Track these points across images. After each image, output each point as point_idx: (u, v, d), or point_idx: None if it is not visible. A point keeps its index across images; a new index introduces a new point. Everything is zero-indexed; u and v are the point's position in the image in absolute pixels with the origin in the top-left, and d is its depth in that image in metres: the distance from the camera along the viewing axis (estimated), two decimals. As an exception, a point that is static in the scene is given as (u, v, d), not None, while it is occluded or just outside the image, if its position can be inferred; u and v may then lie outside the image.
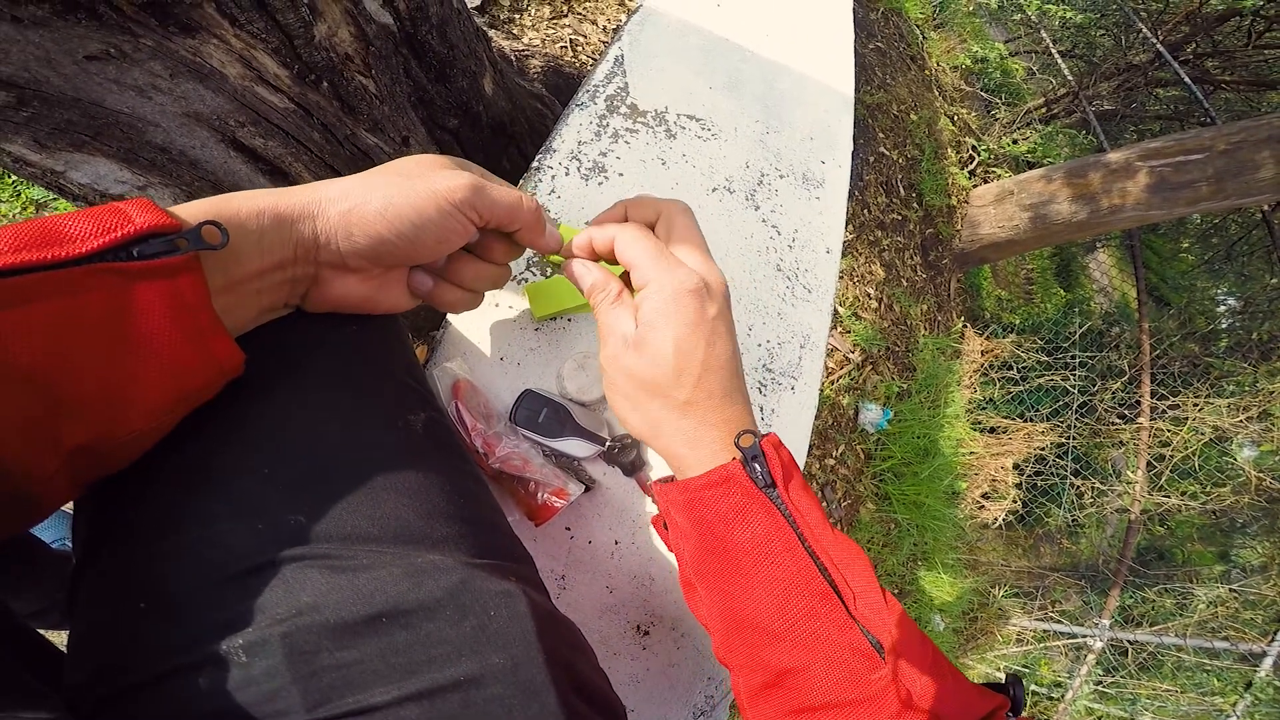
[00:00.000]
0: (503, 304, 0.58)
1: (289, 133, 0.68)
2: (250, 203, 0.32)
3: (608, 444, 0.53)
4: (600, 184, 0.67)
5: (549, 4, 1.55)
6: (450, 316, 0.56)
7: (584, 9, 1.61)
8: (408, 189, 0.35)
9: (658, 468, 0.58)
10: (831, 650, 0.36)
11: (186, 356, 0.29)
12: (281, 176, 0.71)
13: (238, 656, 0.28)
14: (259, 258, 0.32)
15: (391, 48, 0.70)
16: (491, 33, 1.34)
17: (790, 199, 0.77)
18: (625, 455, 0.54)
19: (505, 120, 0.89)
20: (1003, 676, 0.41)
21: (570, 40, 1.51)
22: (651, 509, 0.57)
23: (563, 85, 1.23)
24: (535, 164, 0.65)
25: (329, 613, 0.30)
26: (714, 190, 0.73)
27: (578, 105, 0.70)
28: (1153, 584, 2.79)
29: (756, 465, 0.38)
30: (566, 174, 0.66)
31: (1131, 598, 2.74)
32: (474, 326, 0.56)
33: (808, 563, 0.37)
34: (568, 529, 0.54)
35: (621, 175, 0.68)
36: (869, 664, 0.36)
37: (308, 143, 0.70)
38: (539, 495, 0.47)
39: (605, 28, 1.60)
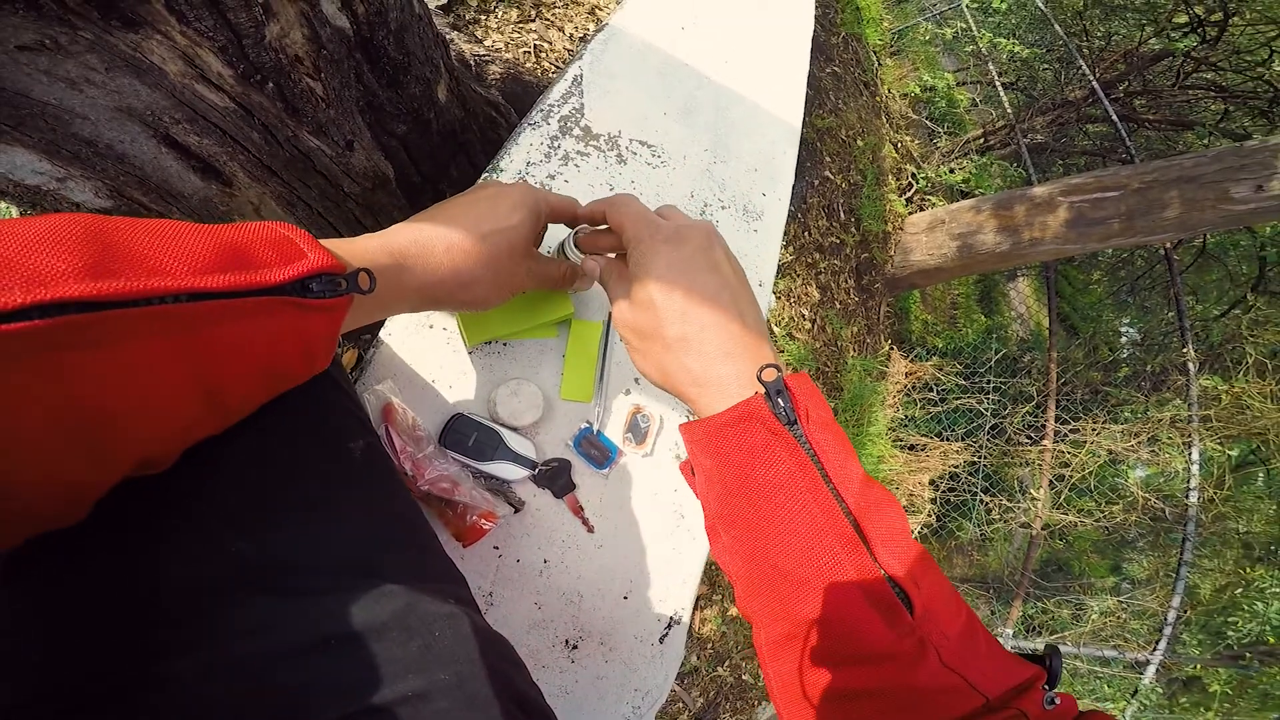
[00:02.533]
0: (436, 325, 0.58)
1: (227, 132, 0.66)
2: (388, 258, 0.37)
3: (538, 468, 0.55)
4: None
5: (516, 7, 1.52)
6: (382, 334, 0.57)
7: (552, 15, 1.60)
8: (496, 289, 0.44)
9: (583, 490, 0.59)
10: (855, 601, 0.34)
11: (299, 370, 0.34)
12: (214, 175, 0.69)
13: (183, 679, 0.29)
14: (383, 297, 0.37)
15: (345, 52, 0.69)
16: (454, 34, 1.32)
17: (730, 230, 0.80)
18: (555, 478, 0.56)
19: (457, 128, 0.88)
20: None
21: (535, 46, 1.49)
22: (577, 530, 0.59)
23: (520, 93, 1.22)
24: (482, 179, 0.66)
25: (276, 637, 0.30)
26: None
27: (530, 124, 0.71)
28: (1051, 595, 3.01)
29: (780, 400, 0.36)
30: None
31: (1033, 608, 2.95)
32: (406, 347, 0.56)
33: (832, 504, 0.35)
34: (496, 548, 0.55)
35: None
36: (894, 617, 0.34)
37: (246, 142, 0.68)
38: (467, 517, 0.48)
39: (572, 35, 1.59)
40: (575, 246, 0.54)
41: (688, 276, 0.40)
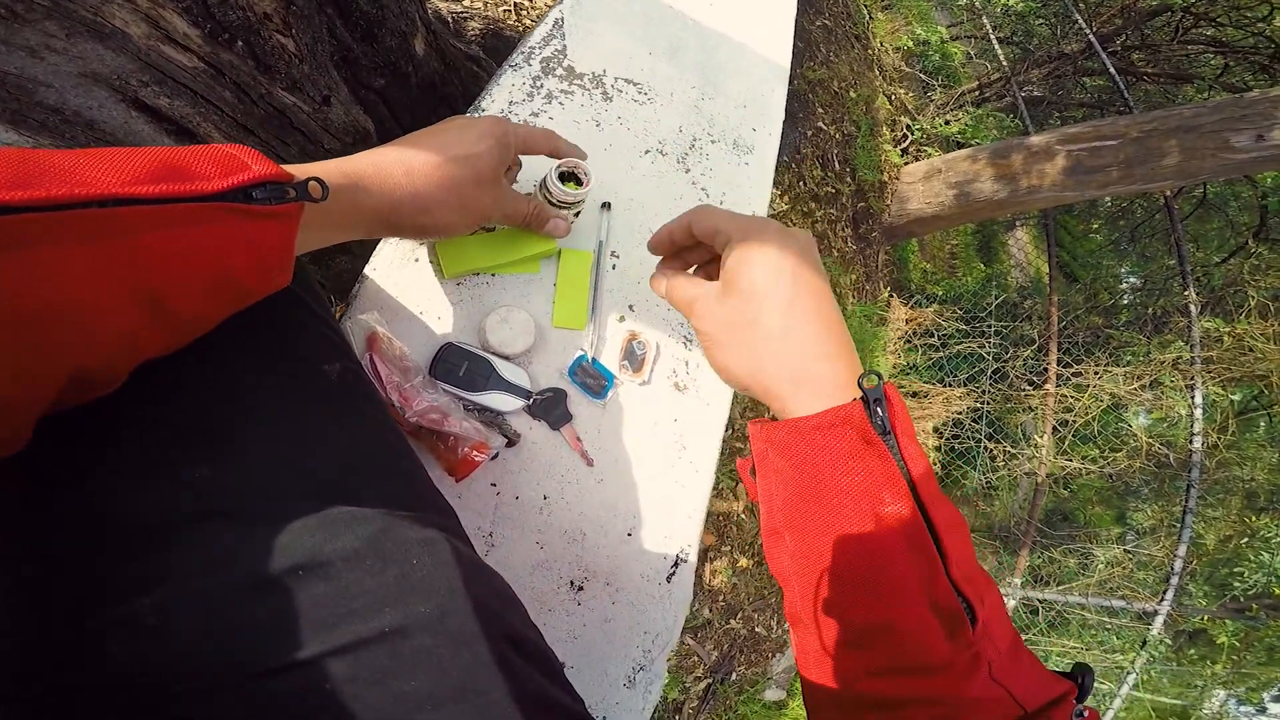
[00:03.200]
0: (423, 259, 0.57)
1: (197, 92, 0.65)
2: (342, 177, 0.37)
3: (532, 398, 0.54)
4: None
5: None
6: (367, 270, 0.56)
7: None
8: (463, 216, 0.44)
9: (581, 421, 0.59)
10: (923, 614, 0.34)
11: (256, 283, 0.33)
12: (189, 136, 0.67)
13: (147, 618, 0.27)
14: (338, 217, 0.37)
15: (315, 7, 0.68)
16: None
17: (720, 163, 0.79)
18: (551, 409, 0.55)
19: (437, 81, 0.86)
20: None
21: (515, 4, 1.46)
22: (576, 464, 0.59)
23: (501, 48, 1.19)
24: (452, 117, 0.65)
25: (242, 567, 0.29)
26: (646, 153, 0.74)
27: (511, 66, 0.70)
28: (1058, 544, 3.04)
29: (879, 409, 0.35)
30: None
31: (1040, 558, 2.98)
32: (393, 280, 0.56)
33: (916, 515, 0.34)
34: (493, 485, 0.55)
35: None
36: (957, 630, 0.34)
37: (218, 102, 0.67)
38: (459, 449, 0.47)
39: None
40: (556, 181, 0.53)
41: (794, 269, 0.38)
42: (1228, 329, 3.01)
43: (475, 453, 0.47)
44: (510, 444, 0.54)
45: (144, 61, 0.59)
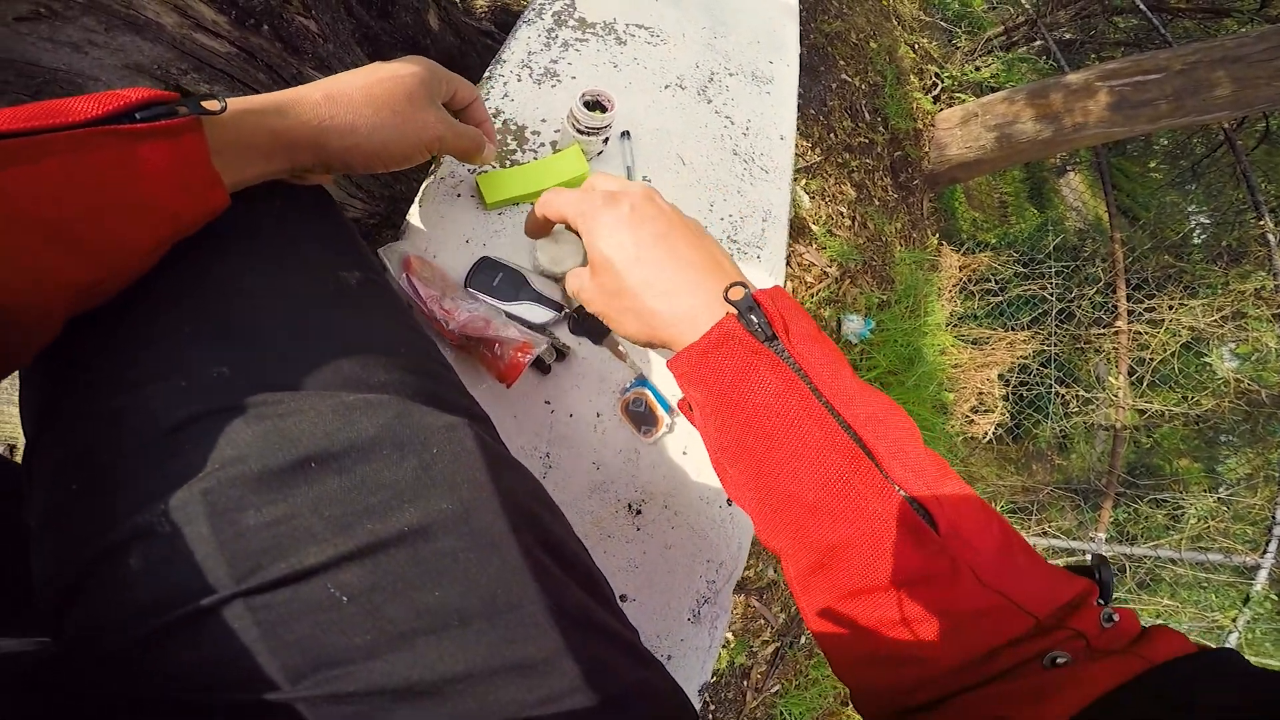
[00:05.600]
0: (464, 194, 0.59)
1: (234, 76, 0.68)
2: (255, 101, 0.36)
3: (565, 311, 0.54)
4: (554, 87, 0.68)
5: None
6: (411, 211, 0.58)
7: None
8: (399, 134, 0.42)
9: (625, 342, 0.58)
10: (874, 522, 0.31)
11: (183, 205, 0.32)
12: (233, 120, 0.71)
13: (161, 525, 0.26)
14: (253, 139, 0.35)
15: (330, -14, 0.70)
16: None
17: (741, 94, 0.78)
18: (590, 321, 0.55)
19: (455, 53, 0.89)
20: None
21: None
22: (627, 377, 0.59)
23: (512, 23, 1.22)
24: (487, 74, 0.66)
25: (252, 462, 0.27)
26: (666, 88, 0.74)
27: (525, 22, 0.71)
28: (1144, 496, 2.85)
29: (753, 317, 0.34)
30: (519, 80, 0.66)
31: (1125, 513, 2.80)
32: (437, 214, 0.57)
33: (828, 420, 0.32)
34: (547, 403, 0.55)
35: (574, 79, 0.69)
36: (918, 537, 0.31)
37: (254, 84, 0.70)
38: (505, 355, 0.47)
39: None
40: (582, 108, 0.54)
41: (633, 227, 0.39)
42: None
43: (520, 354, 0.48)
44: (561, 357, 0.55)
45: (180, 50, 0.62)
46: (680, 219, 0.40)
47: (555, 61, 0.69)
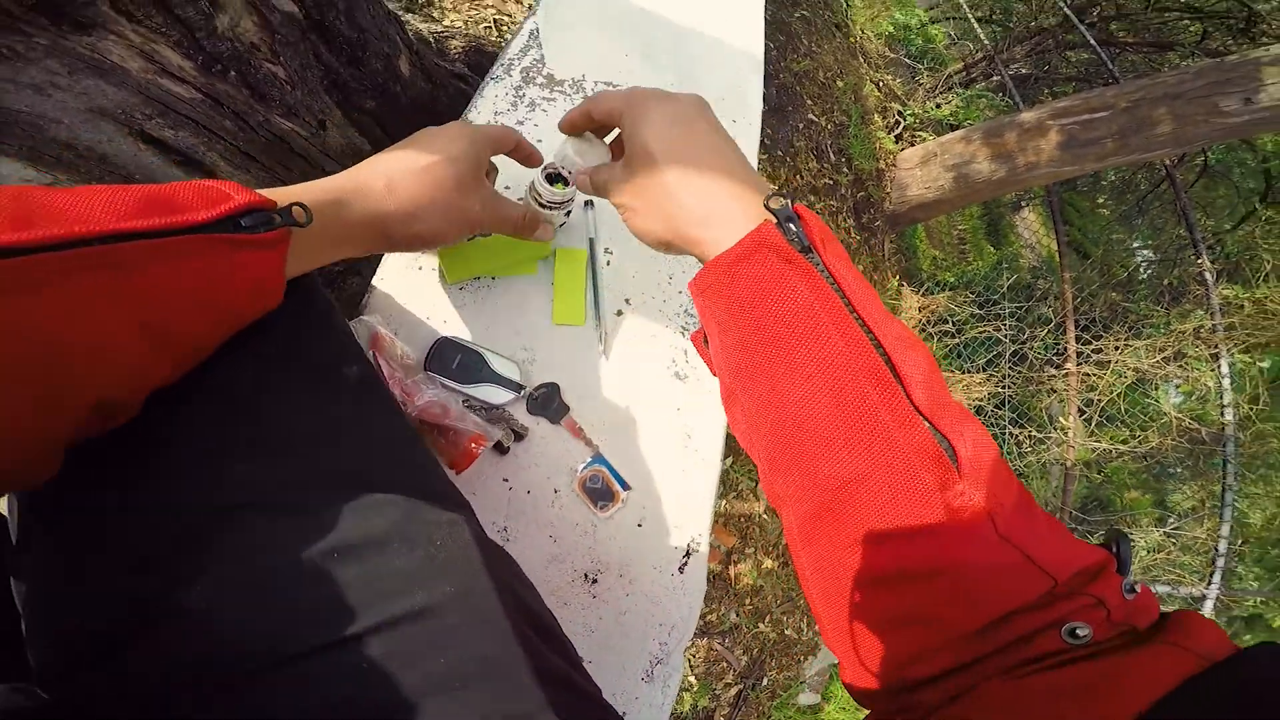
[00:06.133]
0: (426, 266, 0.59)
1: (199, 122, 0.67)
2: (324, 195, 0.38)
3: (525, 392, 0.55)
4: None
5: None
6: (375, 280, 0.58)
7: None
8: (450, 223, 0.45)
9: (584, 414, 0.59)
10: (894, 454, 0.29)
11: (251, 307, 0.35)
12: (196, 166, 0.70)
13: (196, 605, 0.29)
14: (325, 236, 0.38)
15: (299, 35, 0.70)
16: (408, 16, 1.32)
17: None
18: (548, 403, 0.56)
19: (426, 100, 0.89)
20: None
21: (494, 20, 1.48)
22: (584, 456, 0.59)
23: (485, 64, 1.22)
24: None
25: (282, 554, 0.31)
26: None
27: (493, 78, 0.71)
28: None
29: (791, 225, 0.32)
30: None
31: None
32: (399, 287, 0.58)
33: (859, 335, 0.30)
34: (505, 480, 0.56)
35: (540, 141, 0.69)
36: (940, 472, 0.28)
37: (220, 131, 0.69)
38: (459, 443, 0.48)
39: (530, 5, 1.58)
40: (544, 183, 0.54)
41: (682, 123, 0.39)
42: (1247, 295, 2.95)
43: (474, 445, 0.49)
44: (519, 438, 0.55)
45: (145, 95, 0.61)
46: (725, 132, 0.40)
47: (521, 123, 0.69)
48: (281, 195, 0.36)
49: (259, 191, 0.34)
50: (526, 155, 0.53)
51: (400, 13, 1.31)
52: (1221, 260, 3.29)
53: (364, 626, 0.31)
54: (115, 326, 0.28)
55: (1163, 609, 0.30)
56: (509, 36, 1.47)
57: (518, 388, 0.55)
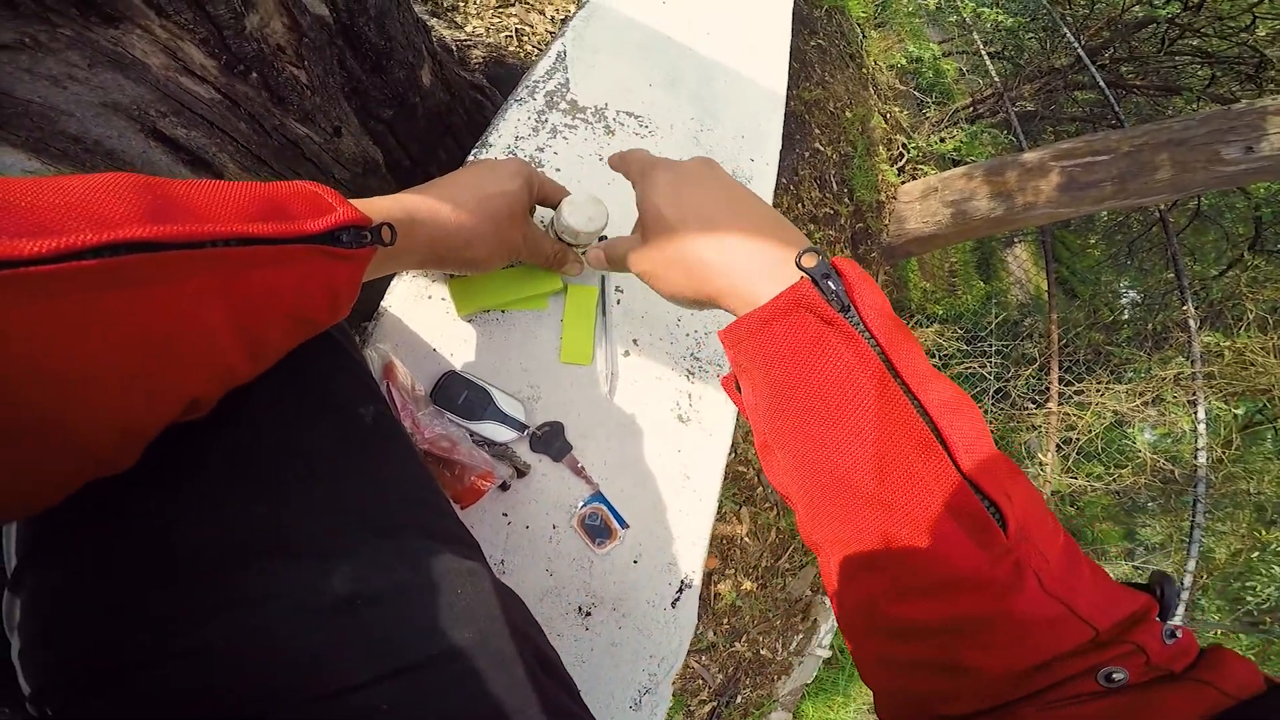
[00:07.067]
0: (435, 296, 0.59)
1: (213, 123, 0.67)
2: (402, 213, 0.40)
3: (528, 430, 0.55)
4: None
5: None
6: (383, 304, 0.58)
7: None
8: (498, 250, 0.48)
9: (586, 454, 0.60)
10: (938, 516, 0.29)
11: (323, 322, 0.36)
12: (204, 166, 0.69)
13: (215, 644, 0.29)
14: (396, 251, 0.40)
15: (326, 39, 0.69)
16: (433, 21, 1.32)
17: None
18: (551, 442, 0.57)
19: (442, 111, 0.88)
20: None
21: (516, 30, 1.48)
22: (583, 494, 0.59)
23: (504, 76, 1.22)
24: (470, 157, 0.66)
25: (300, 600, 0.31)
26: None
27: (516, 100, 0.71)
28: None
29: (830, 283, 0.31)
30: None
31: None
32: (407, 315, 0.57)
33: (901, 400, 0.30)
34: (505, 515, 0.56)
35: (559, 170, 0.69)
36: (986, 536, 0.28)
37: (233, 133, 0.68)
38: (465, 478, 0.48)
39: (553, 18, 1.57)
40: (560, 225, 0.55)
41: (692, 183, 0.40)
42: (1228, 343, 3.01)
43: (481, 481, 0.48)
44: (521, 475, 0.55)
45: (162, 92, 0.60)
46: (741, 186, 0.41)
47: (541, 150, 0.69)
48: (366, 208, 0.38)
49: (350, 203, 0.35)
50: (547, 251, 0.56)
51: (426, 16, 1.31)
52: (1205, 306, 3.35)
53: (384, 671, 0.31)
54: (221, 324, 0.28)
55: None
56: (529, 48, 1.47)
57: (522, 427, 0.55)
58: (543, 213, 0.61)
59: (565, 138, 0.71)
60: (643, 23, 0.84)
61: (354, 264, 0.35)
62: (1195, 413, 2.63)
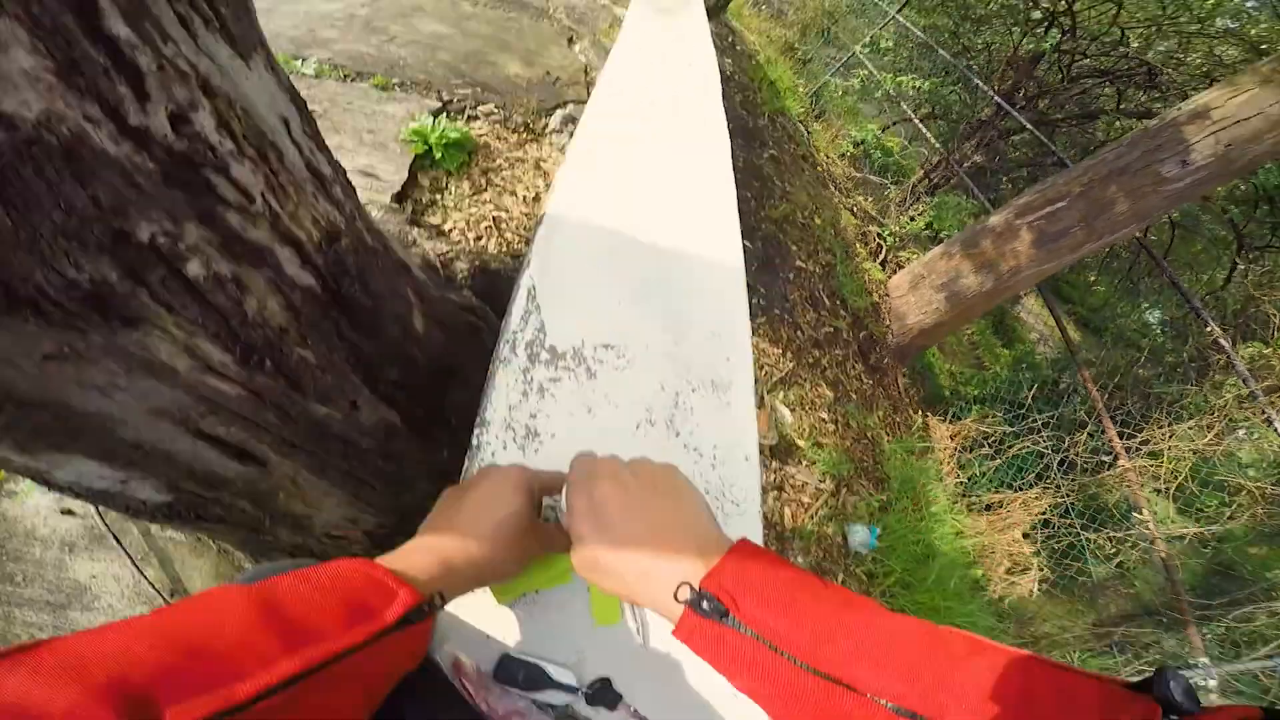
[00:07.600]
0: (478, 590, 0.62)
1: (247, 417, 0.69)
2: (442, 570, 0.48)
3: (581, 690, 0.60)
4: (536, 450, 0.71)
5: (467, 179, 1.63)
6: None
7: (502, 180, 1.69)
8: (516, 564, 0.56)
9: (634, 697, 0.61)
10: None
11: (408, 667, 0.45)
12: (250, 458, 0.72)
13: None
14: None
15: (320, 312, 0.72)
16: (414, 232, 1.40)
17: (704, 414, 0.80)
18: (604, 695, 0.61)
19: (442, 353, 0.94)
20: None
21: (493, 218, 1.57)
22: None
23: (490, 286, 1.29)
24: (475, 441, 0.70)
25: None
26: (638, 427, 0.76)
27: (501, 361, 0.75)
28: (1234, 606, 2.62)
29: (705, 605, 0.40)
30: (504, 447, 0.70)
31: (1219, 626, 2.57)
32: (461, 608, 0.62)
33: (793, 671, 0.37)
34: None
35: (554, 436, 0.72)
36: None
37: (265, 424, 0.71)
38: None
39: (525, 198, 1.68)
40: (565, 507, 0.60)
41: (604, 505, 0.48)
42: (1269, 352, 2.88)
43: (556, 749, 0.52)
44: (586, 729, 0.58)
45: (196, 394, 0.62)
46: (639, 489, 0.49)
47: (534, 416, 0.72)
48: (406, 565, 0.46)
49: (398, 571, 0.43)
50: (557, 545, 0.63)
51: (408, 226, 1.41)
52: (1225, 322, 3.23)
53: None
54: (343, 704, 0.37)
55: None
56: (508, 235, 1.53)
57: (575, 689, 0.60)
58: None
59: (553, 394, 0.74)
60: (599, 224, 0.91)
61: (424, 628, 0.44)
62: (1275, 426, 2.43)
